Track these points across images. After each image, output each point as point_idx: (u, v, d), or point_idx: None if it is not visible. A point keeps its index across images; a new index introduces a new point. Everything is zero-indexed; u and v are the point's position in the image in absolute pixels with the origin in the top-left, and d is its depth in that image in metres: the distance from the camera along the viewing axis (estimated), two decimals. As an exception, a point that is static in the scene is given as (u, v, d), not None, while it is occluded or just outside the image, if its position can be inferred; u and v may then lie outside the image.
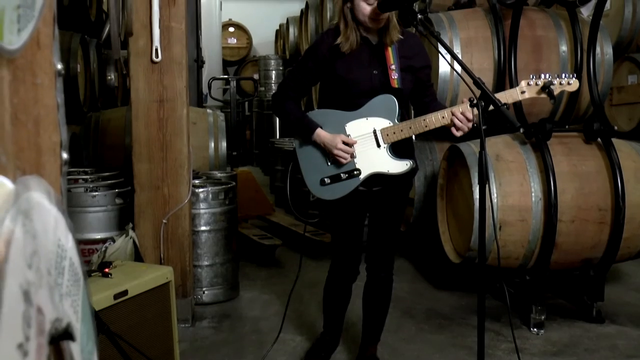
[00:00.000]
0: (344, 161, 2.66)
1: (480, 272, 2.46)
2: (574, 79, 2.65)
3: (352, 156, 2.67)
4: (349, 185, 2.70)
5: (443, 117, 2.59)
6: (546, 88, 2.59)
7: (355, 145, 2.67)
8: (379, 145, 2.67)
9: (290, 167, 2.83)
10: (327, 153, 2.70)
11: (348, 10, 2.62)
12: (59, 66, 0.56)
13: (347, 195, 2.72)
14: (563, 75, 2.66)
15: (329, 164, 2.71)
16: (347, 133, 2.69)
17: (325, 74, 2.73)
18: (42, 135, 0.52)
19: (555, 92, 2.61)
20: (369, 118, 2.67)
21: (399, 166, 2.69)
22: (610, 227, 3.66)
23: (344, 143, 2.65)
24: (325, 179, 2.70)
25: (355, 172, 2.68)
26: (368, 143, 2.68)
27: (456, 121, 2.55)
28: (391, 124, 2.66)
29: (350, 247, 2.88)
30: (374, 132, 2.66)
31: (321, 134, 2.68)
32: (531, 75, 2.64)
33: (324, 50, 2.69)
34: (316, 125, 2.70)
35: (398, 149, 2.69)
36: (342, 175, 2.69)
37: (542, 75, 2.62)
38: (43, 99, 0.52)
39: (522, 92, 2.62)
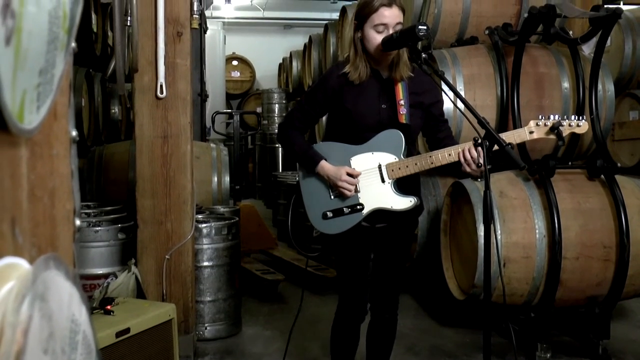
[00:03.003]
0: (348, 193, 2.62)
1: (485, 310, 2.44)
2: (583, 121, 2.63)
3: (356, 190, 2.64)
4: (352, 220, 2.66)
5: (450, 155, 2.57)
6: (555, 129, 2.58)
7: (359, 179, 2.65)
8: (383, 181, 2.63)
9: (293, 199, 2.80)
10: (330, 186, 2.67)
11: (358, 40, 2.61)
12: (74, 133, 0.57)
13: (351, 232, 2.67)
14: (572, 117, 2.64)
15: (332, 197, 2.67)
16: (352, 167, 2.66)
17: (333, 107, 2.71)
18: (57, 205, 0.52)
19: (564, 134, 2.59)
20: (374, 152, 2.64)
21: (403, 202, 2.65)
22: (615, 265, 3.64)
23: (348, 174, 2.62)
24: (328, 213, 2.66)
25: (358, 207, 2.64)
26: (372, 178, 2.65)
27: (467, 156, 2.52)
28: (397, 159, 2.63)
29: (357, 285, 2.81)
30: (379, 167, 2.63)
31: (325, 166, 2.65)
32: (540, 116, 2.61)
33: (334, 82, 2.67)
34: (320, 157, 2.67)
35: (403, 185, 2.66)
36: (345, 209, 2.65)
37: (551, 116, 2.59)
38: (58, 169, 0.52)
39: (531, 133, 2.60)
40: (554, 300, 3.67)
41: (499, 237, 3.57)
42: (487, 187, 2.31)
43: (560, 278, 3.59)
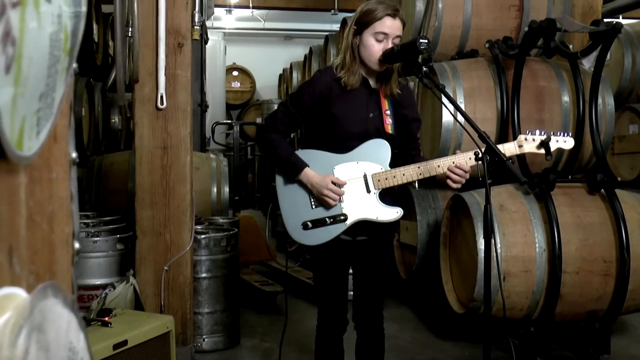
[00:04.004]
0: (332, 203, 2.53)
1: (485, 323, 2.43)
2: (569, 137, 2.65)
3: (340, 200, 2.55)
4: (334, 230, 2.56)
5: (438, 166, 2.52)
6: (543, 144, 2.59)
7: (343, 189, 2.57)
8: (368, 191, 2.56)
9: (270, 207, 2.74)
10: (311, 194, 2.57)
11: (356, 46, 2.57)
12: (74, 155, 0.56)
13: (330, 245, 2.58)
14: (559, 133, 2.66)
15: (314, 207, 2.57)
16: (336, 176, 2.57)
17: (319, 112, 2.61)
18: (56, 230, 0.51)
19: (552, 149, 2.61)
20: (359, 162, 2.57)
21: (389, 213, 2.58)
22: (615, 279, 3.62)
23: (334, 183, 2.54)
24: (308, 223, 2.55)
25: (341, 217, 2.55)
26: (357, 188, 2.57)
27: (453, 176, 2.49)
28: (383, 169, 2.56)
29: (335, 299, 2.72)
30: (365, 177, 2.57)
31: (309, 173, 2.55)
32: (527, 131, 2.63)
33: (322, 86, 2.60)
34: (304, 164, 2.57)
35: (388, 196, 2.61)
36: (327, 219, 2.55)
37: (538, 132, 2.62)
38: (58, 193, 0.51)
39: (520, 147, 2.60)
40: (554, 315, 3.65)
41: (498, 250, 3.56)
42: (488, 200, 2.31)
43: (560, 292, 3.57)
